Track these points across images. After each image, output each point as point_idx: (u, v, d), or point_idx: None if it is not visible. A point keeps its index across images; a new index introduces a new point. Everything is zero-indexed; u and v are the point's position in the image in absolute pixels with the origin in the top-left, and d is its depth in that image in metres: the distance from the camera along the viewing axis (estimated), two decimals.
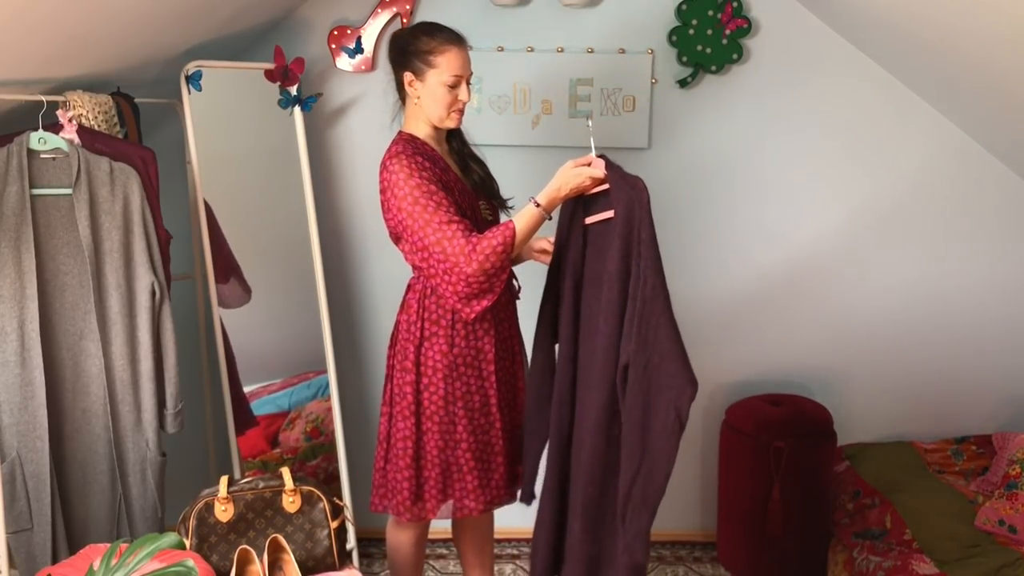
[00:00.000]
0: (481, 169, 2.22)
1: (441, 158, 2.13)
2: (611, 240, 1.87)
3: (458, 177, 2.14)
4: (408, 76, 2.08)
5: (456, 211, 2.01)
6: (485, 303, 2.03)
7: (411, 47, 2.07)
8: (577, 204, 2.03)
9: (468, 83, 2.10)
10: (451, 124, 2.12)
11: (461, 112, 2.12)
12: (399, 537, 2.31)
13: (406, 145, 2.07)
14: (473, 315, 2.05)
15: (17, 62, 1.94)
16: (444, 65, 2.05)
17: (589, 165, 1.98)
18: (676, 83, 2.80)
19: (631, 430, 1.86)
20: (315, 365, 2.80)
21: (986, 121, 2.68)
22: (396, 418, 2.16)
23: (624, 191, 1.86)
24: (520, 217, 2.00)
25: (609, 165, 1.94)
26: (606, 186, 1.94)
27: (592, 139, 2.03)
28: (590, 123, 2.13)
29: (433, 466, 2.14)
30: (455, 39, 2.07)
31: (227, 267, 2.66)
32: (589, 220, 2.00)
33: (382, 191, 2.07)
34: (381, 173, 2.07)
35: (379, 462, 2.21)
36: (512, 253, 1.99)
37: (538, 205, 2.00)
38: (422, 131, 2.13)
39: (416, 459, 2.15)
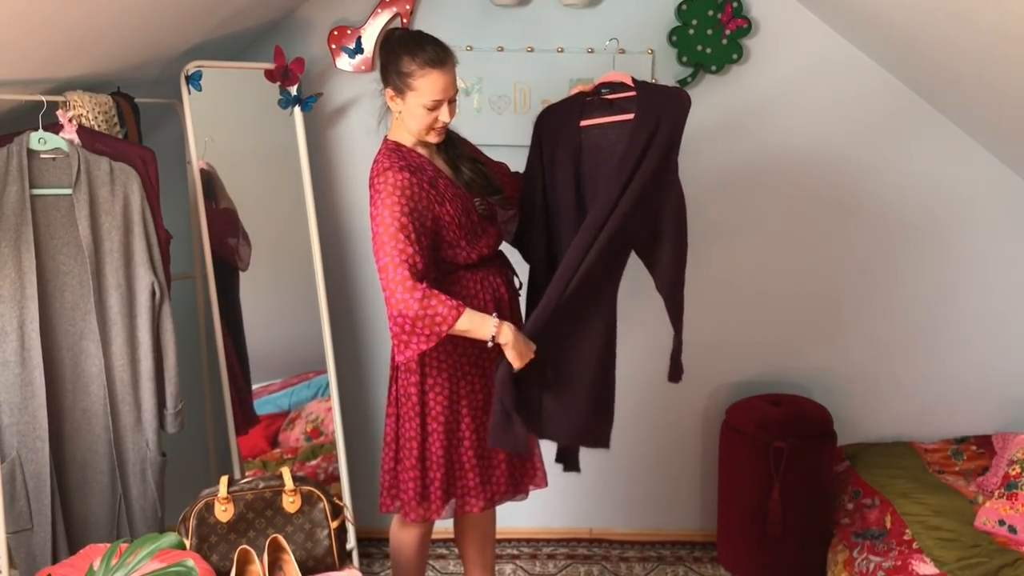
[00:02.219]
0: (472, 168, 2.18)
1: (429, 163, 2.10)
2: (631, 138, 2.09)
3: (450, 181, 2.12)
4: (389, 92, 2.06)
5: (419, 245, 1.97)
6: (404, 352, 1.99)
7: (392, 65, 2.03)
8: (572, 110, 2.19)
9: (452, 102, 2.05)
10: (432, 140, 2.09)
11: (442, 130, 2.08)
12: (403, 537, 2.31)
13: (392, 158, 2.03)
14: (400, 358, 2.02)
15: (17, 62, 1.94)
16: (424, 89, 2.00)
17: (605, 82, 2.20)
18: (676, 83, 2.80)
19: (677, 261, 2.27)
20: (315, 365, 2.80)
21: (986, 121, 2.68)
22: (402, 419, 2.17)
23: (658, 95, 2.14)
24: (473, 318, 1.97)
25: (636, 80, 2.18)
26: (615, 95, 2.17)
27: (615, 58, 2.40)
28: (617, 44, 2.41)
29: (439, 467, 2.15)
30: (437, 61, 2.00)
31: (234, 226, 2.68)
32: (587, 123, 2.18)
33: (370, 202, 2.04)
34: (369, 187, 2.05)
35: (388, 463, 2.22)
36: (447, 326, 1.96)
37: (493, 338, 1.99)
38: (408, 138, 2.10)
39: (421, 460, 2.15)
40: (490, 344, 2.01)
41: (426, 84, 2.00)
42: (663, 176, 2.12)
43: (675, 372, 2.34)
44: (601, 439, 2.29)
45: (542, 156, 2.23)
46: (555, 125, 2.22)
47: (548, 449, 2.43)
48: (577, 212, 2.17)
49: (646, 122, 2.09)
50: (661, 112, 2.10)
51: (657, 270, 2.25)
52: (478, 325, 1.99)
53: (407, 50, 2.01)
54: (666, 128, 2.09)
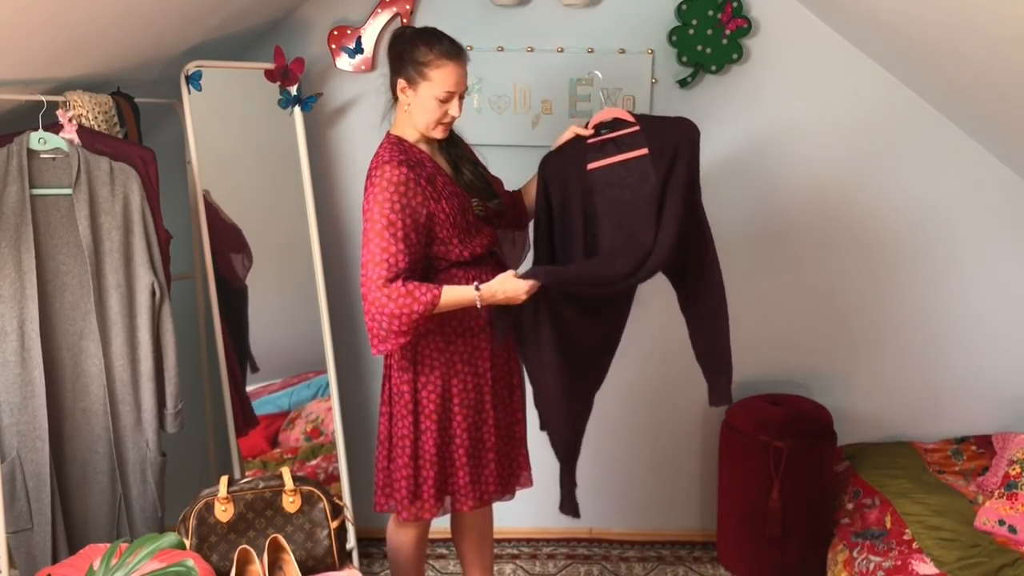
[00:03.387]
0: (472, 170, 2.19)
1: (430, 160, 2.11)
2: (655, 173, 2.08)
3: (449, 178, 2.13)
4: (401, 83, 2.07)
5: (407, 243, 1.98)
6: (379, 347, 2.02)
7: (408, 55, 2.04)
8: (575, 154, 2.17)
9: (461, 98, 2.08)
10: (437, 135, 2.10)
11: (448, 125, 2.10)
12: (400, 537, 2.31)
13: (393, 151, 2.04)
14: (375, 352, 2.05)
15: (18, 62, 1.94)
16: (438, 80, 2.02)
17: (601, 121, 2.17)
18: (676, 83, 2.80)
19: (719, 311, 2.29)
20: (315, 365, 2.80)
21: (986, 121, 2.68)
22: (395, 418, 2.17)
23: (664, 127, 2.12)
24: (453, 291, 2.01)
25: (634, 113, 2.16)
26: (616, 133, 2.14)
27: (601, 94, 2.30)
28: (599, 75, 2.30)
29: (431, 465, 2.15)
30: (453, 54, 2.04)
31: (235, 240, 2.68)
32: (593, 166, 2.15)
33: (364, 195, 2.05)
34: (367, 178, 2.06)
35: (382, 461, 2.22)
36: (425, 316, 1.99)
37: (480, 299, 2.02)
38: (411, 134, 2.11)
39: (414, 458, 2.15)
40: (480, 308, 2.05)
41: (441, 75, 2.02)
42: (692, 212, 2.12)
43: (726, 396, 2.35)
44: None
45: (549, 201, 2.21)
46: (560, 172, 2.20)
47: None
48: (586, 254, 2.17)
49: (663, 156, 2.08)
50: (676, 144, 2.08)
51: (694, 299, 2.28)
52: (458, 300, 2.02)
53: (424, 41, 2.04)
54: (683, 163, 2.08)
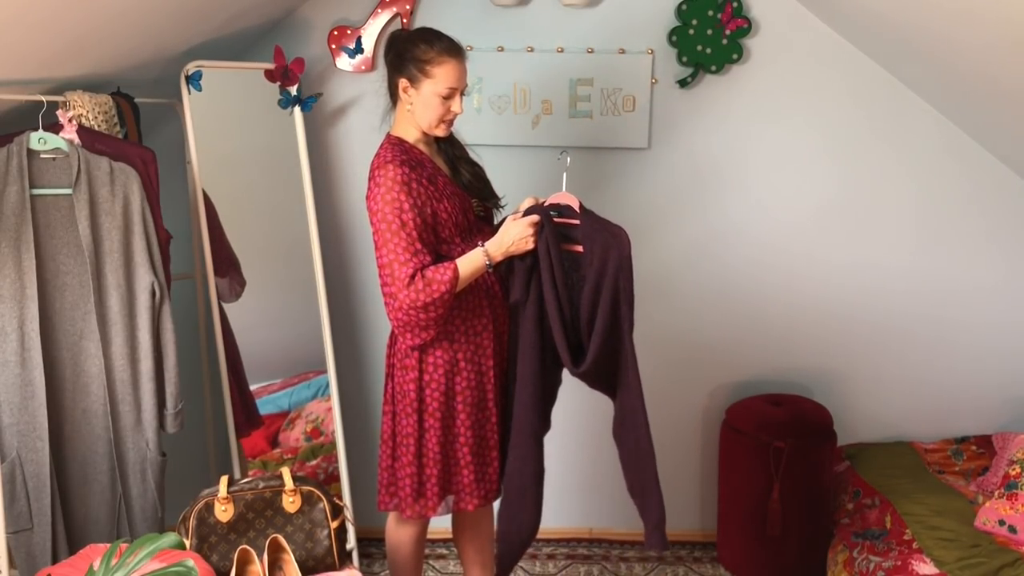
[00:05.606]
0: (471, 171, 2.21)
1: (430, 161, 2.12)
2: (582, 271, 2.05)
3: (448, 179, 2.14)
4: (403, 82, 2.08)
5: (423, 241, 2.01)
6: (424, 336, 2.06)
7: (408, 53, 2.06)
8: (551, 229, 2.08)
9: (462, 95, 2.10)
10: (440, 133, 2.12)
11: (451, 123, 2.12)
12: (399, 536, 2.32)
13: (394, 151, 2.06)
14: (408, 346, 2.09)
15: (17, 62, 1.94)
16: (440, 76, 2.04)
17: (554, 203, 2.08)
18: (676, 83, 2.80)
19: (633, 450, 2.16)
20: (315, 365, 2.80)
21: (986, 121, 2.68)
22: (399, 416, 2.17)
23: (600, 233, 2.02)
24: (465, 260, 2.04)
25: (583, 207, 2.07)
26: (562, 220, 2.07)
27: (565, 175, 2.13)
28: (568, 159, 2.17)
29: (435, 463, 2.15)
30: (454, 50, 2.06)
31: (226, 262, 2.66)
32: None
33: (367, 197, 2.07)
34: (369, 179, 2.07)
35: (385, 460, 2.23)
36: (453, 294, 2.02)
37: (489, 264, 2.05)
38: (411, 135, 2.13)
39: (418, 456, 2.16)
40: (491, 270, 2.08)
41: (443, 72, 2.04)
42: (615, 329, 2.05)
43: (661, 540, 2.17)
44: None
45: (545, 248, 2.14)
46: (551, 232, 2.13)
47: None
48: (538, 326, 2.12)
49: (594, 261, 2.02)
50: (605, 255, 2.01)
51: (619, 425, 2.17)
52: (471, 267, 2.05)
53: (424, 40, 2.07)
54: (611, 277, 2.01)
